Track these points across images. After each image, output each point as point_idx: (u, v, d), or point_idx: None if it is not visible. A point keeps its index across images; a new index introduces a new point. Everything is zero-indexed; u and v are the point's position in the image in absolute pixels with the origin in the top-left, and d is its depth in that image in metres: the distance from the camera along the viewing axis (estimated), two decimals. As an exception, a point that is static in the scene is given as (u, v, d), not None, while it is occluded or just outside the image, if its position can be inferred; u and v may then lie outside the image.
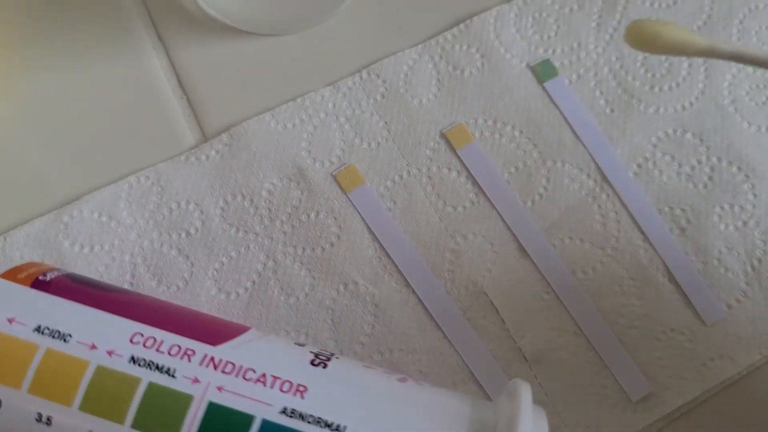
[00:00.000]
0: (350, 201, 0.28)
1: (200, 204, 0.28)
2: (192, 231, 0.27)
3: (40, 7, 0.30)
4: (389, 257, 0.27)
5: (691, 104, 0.29)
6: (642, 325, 0.27)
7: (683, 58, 0.30)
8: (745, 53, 0.20)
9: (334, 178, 0.28)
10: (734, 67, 0.30)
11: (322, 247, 0.27)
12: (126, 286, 0.27)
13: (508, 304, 0.27)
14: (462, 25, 0.30)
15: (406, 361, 0.26)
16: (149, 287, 0.27)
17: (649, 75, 0.30)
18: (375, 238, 0.27)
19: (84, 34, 0.29)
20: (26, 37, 0.29)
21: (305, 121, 0.29)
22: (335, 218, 0.27)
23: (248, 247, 0.27)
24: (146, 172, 0.28)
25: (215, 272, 0.27)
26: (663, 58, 0.30)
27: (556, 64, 0.30)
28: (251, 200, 0.28)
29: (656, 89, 0.30)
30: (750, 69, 0.30)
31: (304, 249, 0.27)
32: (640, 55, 0.30)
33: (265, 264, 0.27)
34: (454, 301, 0.27)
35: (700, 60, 0.30)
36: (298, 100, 0.29)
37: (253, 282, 0.27)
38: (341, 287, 0.27)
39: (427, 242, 0.27)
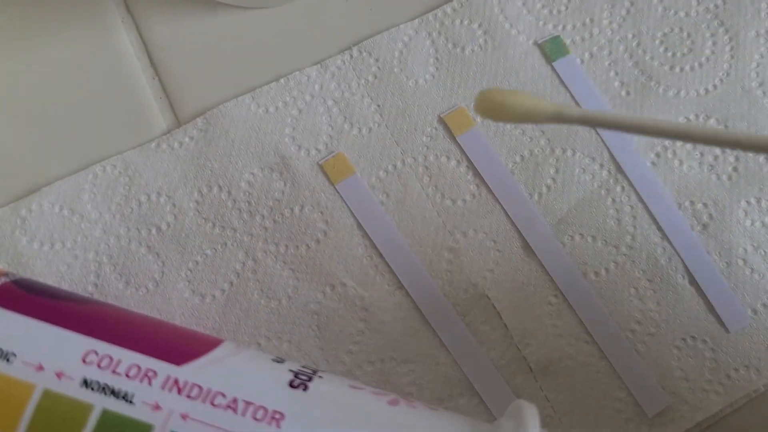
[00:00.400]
0: (338, 193, 0.25)
1: (172, 196, 0.25)
2: (163, 226, 0.25)
3: (-6, -24, 0.27)
4: (381, 256, 0.24)
5: (715, 87, 0.27)
6: (659, 333, 0.24)
7: (707, 36, 0.27)
8: (591, 116, 0.19)
9: (321, 167, 0.25)
10: (763, 46, 0.27)
11: (307, 245, 0.25)
12: (90, 288, 0.24)
13: (512, 308, 0.24)
14: (463, -2, 0.27)
15: (399, 371, 0.23)
16: (115, 289, 0.24)
17: (669, 54, 0.27)
18: (365, 235, 0.25)
19: (43, 6, 0.27)
20: (-22, 9, 0.27)
21: (289, 104, 0.26)
22: (321, 212, 0.25)
23: (225, 244, 0.25)
24: (113, 160, 0.25)
25: (189, 272, 0.24)
26: (685, 34, 0.27)
27: (567, 42, 0.27)
28: (229, 192, 0.25)
29: (677, 70, 0.27)
30: (780, 48, 0.27)
31: (287, 247, 0.25)
32: (660, 32, 0.27)
33: (244, 263, 0.24)
34: (453, 304, 0.24)
35: (726, 38, 0.27)
36: (282, 80, 0.26)
37: (231, 283, 0.24)
38: (328, 289, 0.24)
39: (423, 239, 0.25)
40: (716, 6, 0.28)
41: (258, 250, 0.25)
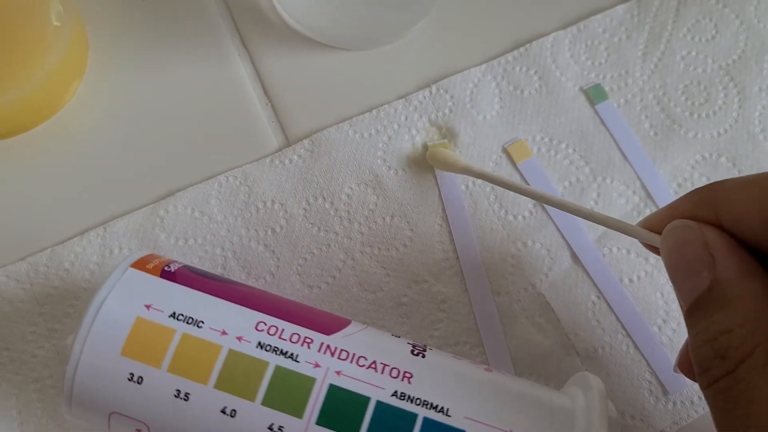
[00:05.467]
0: (441, 200, 0.30)
1: (285, 204, 0.30)
2: (277, 229, 0.30)
3: (135, 16, 0.32)
4: (457, 259, 0.30)
5: (726, 131, 0.33)
6: (680, 329, 0.30)
7: (719, 89, 0.33)
8: (486, 173, 0.29)
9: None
10: (765, 99, 0.33)
11: (396, 248, 0.30)
12: (218, 277, 0.29)
13: (563, 305, 0.30)
14: (522, 49, 0.33)
15: (472, 353, 0.29)
16: (239, 279, 0.29)
17: (689, 103, 0.33)
18: (443, 242, 0.30)
19: (177, 44, 0.32)
20: (124, 45, 0.32)
21: (380, 131, 0.31)
22: (408, 222, 0.30)
23: (329, 245, 0.30)
24: (234, 172, 0.30)
25: (299, 267, 0.29)
26: (702, 87, 0.33)
27: (606, 89, 0.33)
28: (331, 203, 0.30)
29: (695, 116, 0.33)
30: (778, 101, 0.33)
31: (379, 249, 0.30)
32: (681, 84, 0.33)
33: (344, 261, 0.30)
34: (515, 300, 0.29)
35: (735, 90, 0.33)
36: (374, 111, 0.31)
37: (334, 277, 0.29)
38: (413, 285, 0.30)
39: (491, 247, 0.30)
40: (727, 65, 0.34)
41: (356, 251, 0.30)
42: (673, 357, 0.29)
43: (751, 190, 0.20)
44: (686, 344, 0.24)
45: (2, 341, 0.28)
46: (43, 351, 0.28)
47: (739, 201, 0.21)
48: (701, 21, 0.34)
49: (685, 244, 0.21)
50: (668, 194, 0.31)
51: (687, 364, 0.24)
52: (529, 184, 0.31)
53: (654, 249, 0.24)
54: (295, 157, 0.31)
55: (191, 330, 0.22)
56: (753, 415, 0.18)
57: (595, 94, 0.33)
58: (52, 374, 0.27)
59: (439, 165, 0.31)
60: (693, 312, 0.21)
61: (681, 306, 0.22)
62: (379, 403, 0.22)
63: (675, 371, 0.25)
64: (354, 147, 0.31)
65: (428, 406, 0.22)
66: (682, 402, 0.29)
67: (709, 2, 0.35)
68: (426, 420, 0.21)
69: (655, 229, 0.23)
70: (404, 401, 0.22)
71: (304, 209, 0.30)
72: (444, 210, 0.31)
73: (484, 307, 0.29)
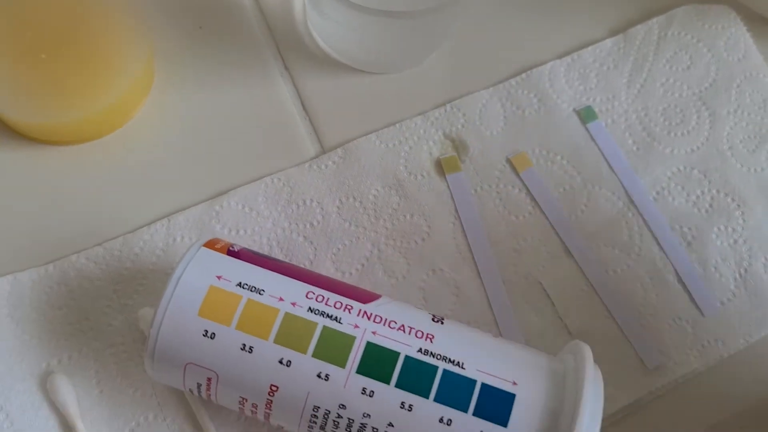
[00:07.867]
0: (452, 199, 0.36)
1: (321, 202, 0.35)
2: (315, 223, 0.35)
3: (194, 44, 0.38)
4: (469, 251, 0.35)
5: (698, 148, 0.38)
6: (656, 314, 0.35)
7: (693, 111, 0.39)
8: None
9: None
10: (732, 120, 0.39)
11: (416, 241, 0.35)
12: (265, 263, 0.34)
13: (558, 292, 0.35)
14: (524, 75, 0.39)
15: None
16: (282, 264, 0.34)
17: (667, 123, 0.38)
18: (456, 237, 0.35)
19: (230, 67, 0.37)
20: (184, 68, 0.37)
21: (402, 142, 0.37)
22: (425, 219, 0.35)
23: (358, 237, 0.35)
24: (279, 175, 0.36)
25: (333, 255, 0.35)
26: (678, 110, 0.39)
27: (596, 110, 0.38)
28: (361, 202, 0.35)
29: (672, 134, 0.38)
30: (744, 123, 0.39)
31: (401, 242, 0.35)
32: (660, 107, 0.39)
33: (371, 251, 0.35)
34: (517, 287, 0.35)
35: (706, 113, 0.39)
36: (397, 125, 0.37)
37: (363, 265, 0.35)
38: (430, 272, 0.35)
39: (497, 243, 0.35)
40: (700, 91, 0.39)
41: (381, 243, 0.35)
42: (650, 337, 0.34)
43: None
44: None
45: (84, 313, 0.33)
46: (117, 322, 0.33)
47: None
48: (678, 53, 0.40)
49: None
50: (648, 201, 0.37)
51: None
52: (530, 191, 0.36)
53: None
54: (330, 162, 0.36)
55: (254, 296, 0.27)
56: None
57: (586, 115, 0.38)
58: (125, 341, 0.32)
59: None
60: None
61: None
62: (407, 357, 0.27)
63: None
64: (380, 155, 0.36)
65: (447, 360, 0.27)
66: (657, 374, 0.34)
67: (686, 37, 0.40)
68: (445, 371, 0.26)
69: None
70: (427, 356, 0.27)
71: (338, 207, 0.35)
72: (456, 210, 0.36)
73: (496, 290, 0.34)
